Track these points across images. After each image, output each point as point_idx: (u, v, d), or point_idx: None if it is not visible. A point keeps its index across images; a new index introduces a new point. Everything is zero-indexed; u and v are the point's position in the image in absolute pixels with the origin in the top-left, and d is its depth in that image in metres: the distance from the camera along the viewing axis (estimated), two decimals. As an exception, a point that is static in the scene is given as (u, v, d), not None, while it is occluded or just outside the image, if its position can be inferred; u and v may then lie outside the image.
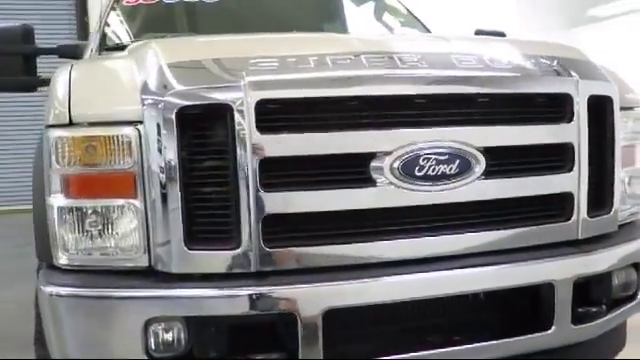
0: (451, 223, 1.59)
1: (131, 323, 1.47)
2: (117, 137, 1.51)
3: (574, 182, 1.70)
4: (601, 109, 1.76)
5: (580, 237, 1.73)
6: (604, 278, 1.77)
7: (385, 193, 1.52)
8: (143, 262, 1.54)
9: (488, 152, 1.59)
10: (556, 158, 1.70)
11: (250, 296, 1.45)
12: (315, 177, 1.50)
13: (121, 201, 1.53)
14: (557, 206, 1.71)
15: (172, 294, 1.46)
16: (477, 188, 1.59)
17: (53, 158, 1.56)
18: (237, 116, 1.44)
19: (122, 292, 1.49)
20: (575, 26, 8.65)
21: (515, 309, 1.70)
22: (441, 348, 1.55)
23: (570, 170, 1.70)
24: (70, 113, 1.53)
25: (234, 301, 1.45)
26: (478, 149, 1.57)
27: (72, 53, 2.90)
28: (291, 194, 1.49)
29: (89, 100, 1.57)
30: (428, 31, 3.38)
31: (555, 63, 1.75)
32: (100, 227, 1.55)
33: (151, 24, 3.00)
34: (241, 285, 1.46)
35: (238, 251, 1.47)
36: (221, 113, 1.45)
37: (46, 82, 3.02)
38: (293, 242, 1.50)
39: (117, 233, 1.54)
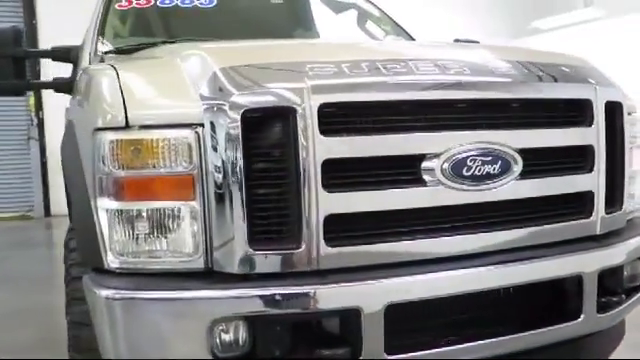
0: (493, 220, 1.69)
1: (196, 324, 1.47)
2: (177, 139, 1.52)
3: (594, 181, 1.83)
4: (612, 114, 1.90)
5: (599, 232, 1.86)
6: (618, 270, 1.91)
7: (435, 193, 1.60)
8: (199, 264, 1.55)
9: (524, 153, 1.69)
10: (579, 159, 1.82)
11: (316, 293, 1.49)
12: (371, 178, 1.56)
13: (179, 203, 1.53)
14: (580, 204, 1.83)
15: (239, 294, 1.48)
16: (515, 187, 1.69)
17: (107, 161, 1.55)
18: (300, 119, 1.48)
19: (187, 293, 1.49)
20: (519, 36, 9.09)
21: (543, 301, 1.81)
22: (488, 339, 1.63)
23: (591, 170, 1.83)
24: (127, 116, 1.53)
25: (300, 299, 1.49)
26: (516, 150, 1.68)
27: (66, 56, 2.85)
28: (350, 194, 1.54)
29: (146, 103, 1.57)
30: (412, 38, 3.51)
31: (574, 71, 1.89)
32: (156, 230, 1.55)
33: (150, 28, 2.99)
34: (306, 283, 1.49)
35: (300, 250, 1.51)
36: (284, 115, 1.49)
37: (35, 86, 2.97)
38: (351, 241, 1.55)
39: (174, 235, 1.55)
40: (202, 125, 1.51)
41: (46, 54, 2.91)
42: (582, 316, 1.76)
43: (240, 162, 1.48)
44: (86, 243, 1.67)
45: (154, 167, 1.53)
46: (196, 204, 1.53)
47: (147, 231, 1.56)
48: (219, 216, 1.51)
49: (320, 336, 1.54)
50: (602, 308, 1.83)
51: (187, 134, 1.52)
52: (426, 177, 1.59)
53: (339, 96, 1.52)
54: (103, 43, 2.78)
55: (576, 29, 8.61)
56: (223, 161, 1.49)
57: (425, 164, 1.59)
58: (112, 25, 2.90)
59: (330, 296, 1.50)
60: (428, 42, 2.22)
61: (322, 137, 1.49)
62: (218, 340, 1.49)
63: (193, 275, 1.55)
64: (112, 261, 1.58)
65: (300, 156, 1.48)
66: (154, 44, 2.64)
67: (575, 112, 1.82)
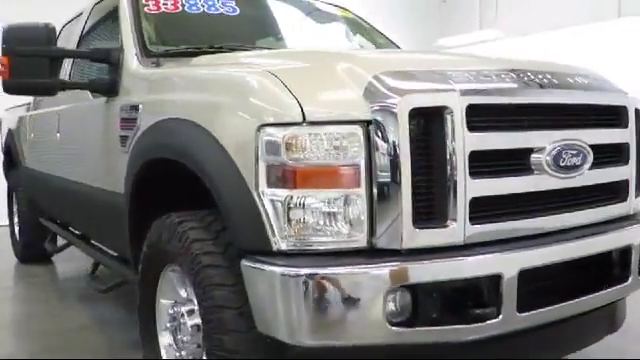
0: (575, 202, 2.08)
1: (373, 295, 1.70)
2: (347, 134, 1.74)
3: (629, 172, 2.29)
4: (638, 118, 2.37)
5: (631, 212, 2.33)
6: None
7: (541, 180, 1.96)
8: (362, 243, 1.78)
9: (592, 148, 2.10)
10: (620, 154, 2.27)
11: (468, 263, 1.78)
12: (500, 167, 1.88)
13: (346, 190, 1.75)
14: (621, 189, 2.28)
15: (409, 267, 1.72)
16: (587, 176, 2.09)
17: (281, 153, 1.73)
18: (452, 117, 1.77)
19: (365, 268, 1.71)
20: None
21: (599, 268, 2.22)
22: (578, 298, 2.01)
23: (627, 163, 2.28)
24: (303, 113, 1.73)
25: (455, 268, 1.77)
26: (588, 145, 2.08)
27: (106, 57, 2.87)
28: (486, 180, 1.85)
29: (318, 102, 1.78)
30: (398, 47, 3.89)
31: (608, 82, 2.35)
32: (324, 214, 1.76)
33: (187, 33, 3.10)
34: (458, 255, 1.78)
35: (451, 227, 1.79)
36: (440, 114, 1.77)
37: (69, 85, 2.96)
38: (488, 219, 1.86)
39: (339, 219, 1.76)
40: (369, 122, 1.75)
41: (84, 54, 2.91)
42: (630, 279, 2.20)
43: (406, 154, 1.73)
44: (246, 229, 1.82)
45: (326, 158, 1.74)
46: (361, 190, 1.76)
47: (315, 215, 1.76)
48: (385, 200, 1.75)
49: (467, 299, 1.82)
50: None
51: (356, 129, 1.75)
52: (534, 167, 1.95)
53: (479, 98, 1.84)
54: (148, 46, 2.85)
55: (476, 47, 9.52)
56: (390, 153, 1.73)
57: (534, 156, 1.94)
58: (147, 29, 2.97)
59: (479, 265, 1.79)
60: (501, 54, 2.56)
61: (468, 133, 1.79)
62: (390, 307, 1.73)
63: (356, 253, 1.78)
64: (281, 243, 1.76)
65: (452, 148, 1.77)
66: (202, 49, 2.79)
67: (617, 116, 2.27)
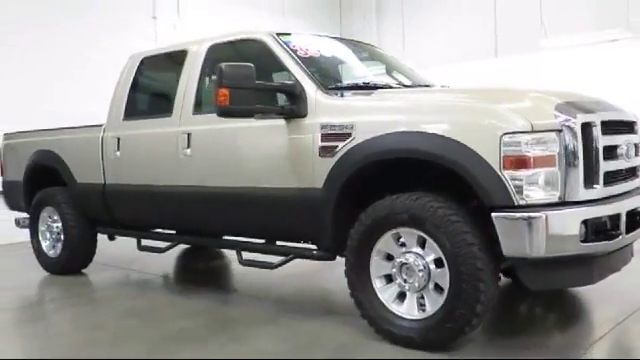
0: (630, 176, 3.67)
1: (574, 225, 3.09)
2: (551, 138, 3.13)
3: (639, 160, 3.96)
4: (635, 129, 4.07)
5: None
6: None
7: (621, 163, 3.51)
8: (556, 198, 3.16)
9: (633, 144, 3.71)
10: (638, 149, 3.92)
11: (608, 207, 3.25)
12: (610, 155, 3.40)
13: (551, 169, 3.13)
14: (637, 170, 3.93)
15: (587, 209, 3.15)
16: (634, 161, 3.69)
17: (521, 148, 3.07)
18: (595, 127, 3.25)
19: (571, 210, 3.11)
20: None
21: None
22: (635, 231, 3.58)
23: (637, 155, 3.94)
24: (532, 125, 3.09)
25: (602, 209, 3.23)
26: (634, 143, 3.68)
27: (291, 90, 3.92)
28: (608, 162, 3.34)
29: (535, 119, 3.13)
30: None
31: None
32: (540, 182, 3.12)
33: (332, 71, 4.27)
34: (602, 204, 3.25)
35: (597, 188, 3.25)
36: (590, 126, 3.24)
37: (263, 110, 3.97)
38: (608, 184, 3.36)
39: (545, 185, 3.13)
40: (560, 130, 3.15)
41: (276, 88, 3.92)
42: (650, 220, 3.84)
43: (579, 148, 3.17)
44: (496, 195, 3.11)
45: (541, 151, 3.11)
46: (556, 169, 3.15)
47: (536, 183, 3.11)
48: (569, 173, 3.15)
49: (606, 227, 3.28)
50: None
51: (555, 135, 3.14)
52: (619, 155, 3.49)
53: (604, 116, 3.35)
54: (325, 82, 3.97)
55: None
56: (572, 148, 3.15)
57: (619, 150, 3.49)
58: (317, 68, 4.08)
59: (611, 208, 3.28)
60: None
61: (602, 136, 3.29)
62: (579, 232, 3.13)
63: (554, 204, 3.15)
64: (520, 200, 3.09)
65: (597, 144, 3.25)
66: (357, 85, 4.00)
67: (634, 127, 3.91)
